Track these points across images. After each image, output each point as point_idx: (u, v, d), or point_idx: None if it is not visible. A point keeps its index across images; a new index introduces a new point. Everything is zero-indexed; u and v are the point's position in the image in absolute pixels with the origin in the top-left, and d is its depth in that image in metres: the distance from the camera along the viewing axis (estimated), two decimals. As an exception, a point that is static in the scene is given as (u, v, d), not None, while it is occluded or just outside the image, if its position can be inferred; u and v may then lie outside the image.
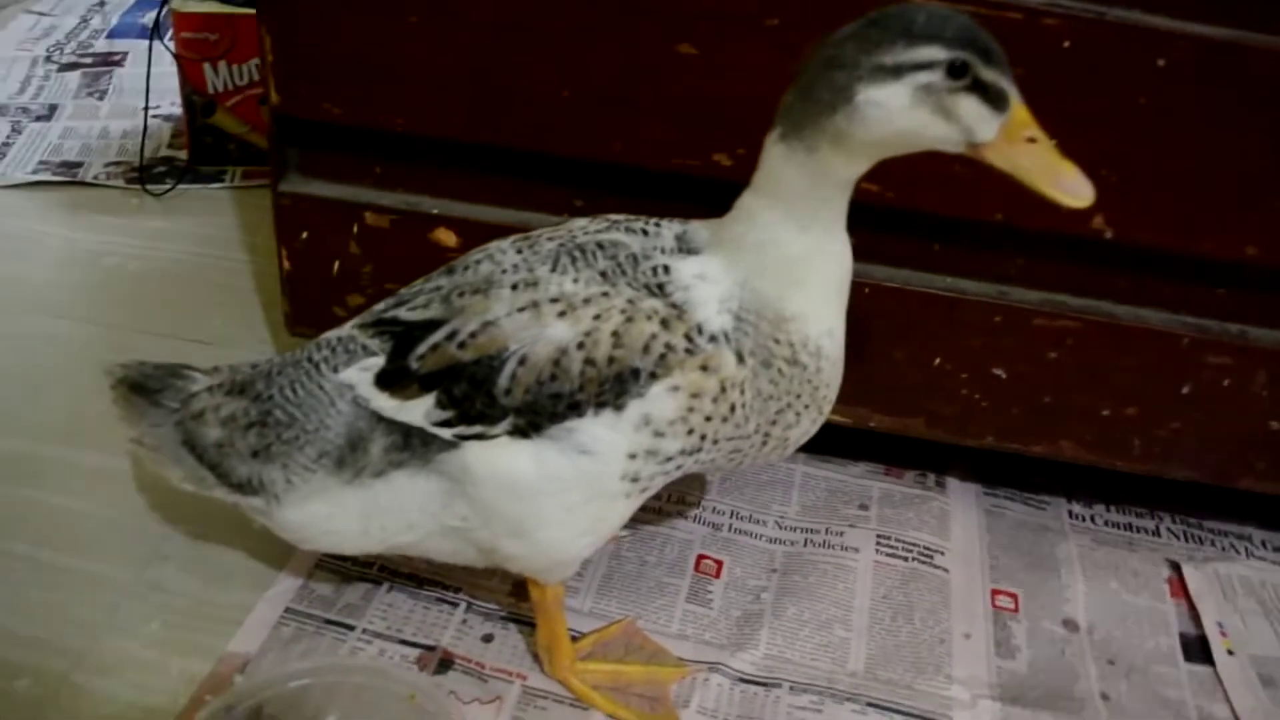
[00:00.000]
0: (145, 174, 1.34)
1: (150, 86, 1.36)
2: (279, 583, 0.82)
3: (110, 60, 1.64)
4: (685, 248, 0.68)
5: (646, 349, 0.63)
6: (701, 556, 0.90)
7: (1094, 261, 0.84)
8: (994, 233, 0.83)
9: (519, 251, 0.69)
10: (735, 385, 0.65)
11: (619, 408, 0.64)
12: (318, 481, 0.69)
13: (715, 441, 0.67)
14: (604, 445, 0.65)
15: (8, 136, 1.41)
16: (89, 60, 1.63)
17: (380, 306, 0.71)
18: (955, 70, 0.56)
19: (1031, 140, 0.58)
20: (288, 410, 0.69)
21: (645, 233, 0.69)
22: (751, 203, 0.65)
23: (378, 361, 0.67)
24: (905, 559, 0.90)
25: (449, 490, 0.68)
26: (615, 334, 0.63)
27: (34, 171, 1.34)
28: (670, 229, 0.69)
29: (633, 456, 0.65)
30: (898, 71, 0.56)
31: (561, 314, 0.64)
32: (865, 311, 0.86)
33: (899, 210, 0.82)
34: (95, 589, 0.80)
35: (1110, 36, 0.73)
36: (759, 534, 0.93)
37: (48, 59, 1.62)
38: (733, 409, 0.66)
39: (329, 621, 0.80)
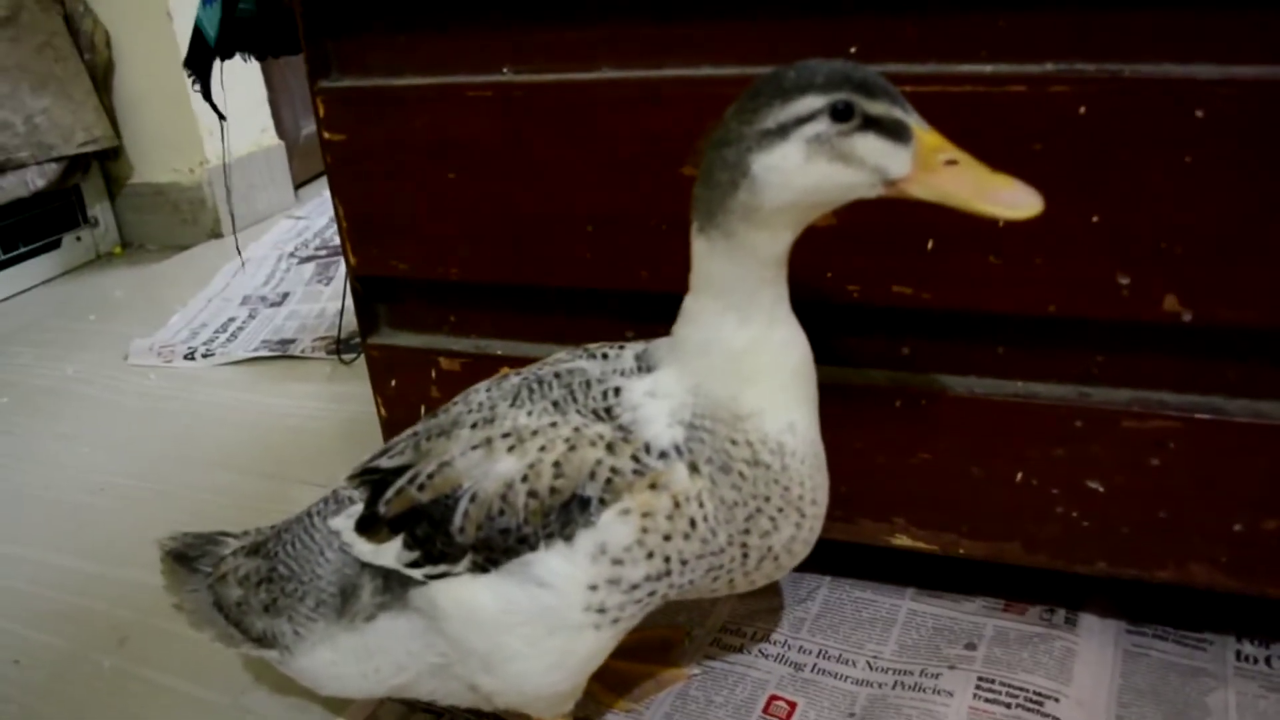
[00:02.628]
0: (342, 345, 1.52)
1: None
2: (348, 711, 0.86)
3: (339, 251, 1.88)
4: (644, 366, 0.67)
5: (593, 475, 0.62)
6: (774, 698, 0.83)
7: (1190, 352, 0.72)
8: (1061, 329, 0.74)
9: (488, 391, 0.70)
10: (691, 499, 0.62)
11: (568, 539, 0.62)
12: (320, 630, 0.72)
13: (684, 562, 0.64)
14: (560, 578, 0.63)
15: (244, 321, 1.65)
16: (324, 253, 1.88)
17: (368, 457, 0.74)
18: (839, 113, 0.54)
19: (952, 163, 0.54)
20: (288, 564, 0.73)
21: (606, 357, 0.69)
22: (691, 305, 0.64)
23: (359, 509, 0.70)
24: (1008, 705, 0.78)
25: (427, 628, 0.68)
26: (557, 463, 0.62)
27: (254, 350, 1.55)
28: (632, 350, 0.69)
29: (593, 588, 0.63)
30: (783, 131, 0.55)
31: (511, 448, 0.64)
32: (929, 426, 0.79)
33: (941, 312, 0.76)
34: (196, 711, 0.88)
35: (1132, 95, 0.65)
36: (845, 675, 0.84)
37: (291, 254, 1.89)
38: (693, 524, 0.63)
39: (382, 751, 0.82)
